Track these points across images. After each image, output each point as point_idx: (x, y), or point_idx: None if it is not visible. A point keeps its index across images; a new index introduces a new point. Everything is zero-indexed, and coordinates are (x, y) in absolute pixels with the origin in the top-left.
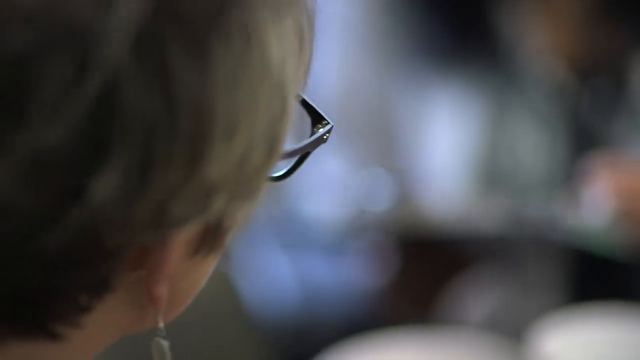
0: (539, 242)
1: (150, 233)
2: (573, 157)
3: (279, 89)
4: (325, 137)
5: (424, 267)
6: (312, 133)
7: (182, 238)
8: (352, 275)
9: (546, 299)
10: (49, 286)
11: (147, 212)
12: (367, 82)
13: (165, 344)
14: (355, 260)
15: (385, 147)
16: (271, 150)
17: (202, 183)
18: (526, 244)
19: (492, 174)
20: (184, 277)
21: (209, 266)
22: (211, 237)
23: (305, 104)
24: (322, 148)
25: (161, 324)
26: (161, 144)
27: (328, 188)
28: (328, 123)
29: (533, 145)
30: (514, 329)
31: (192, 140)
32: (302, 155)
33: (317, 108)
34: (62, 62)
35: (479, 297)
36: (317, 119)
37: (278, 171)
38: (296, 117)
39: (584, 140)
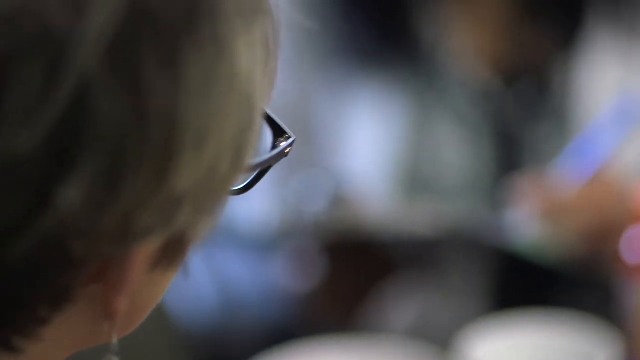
0: (465, 248)
1: (115, 244)
2: (498, 161)
3: (247, 99)
4: (286, 151)
5: (352, 272)
6: (274, 147)
7: (145, 250)
8: (277, 278)
9: (473, 305)
10: (10, 296)
11: (113, 222)
12: (289, 82)
13: None
14: (280, 263)
15: (309, 148)
16: (238, 162)
17: (169, 194)
18: (452, 249)
19: (415, 177)
20: (143, 291)
21: (168, 280)
22: (172, 250)
23: (267, 117)
24: None
25: (115, 340)
26: (130, 153)
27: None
28: (290, 137)
29: (456, 148)
30: (440, 336)
31: (161, 149)
32: (263, 169)
33: (279, 121)
34: (33, 68)
35: (406, 303)
36: (279, 132)
37: (237, 185)
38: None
39: (508, 143)
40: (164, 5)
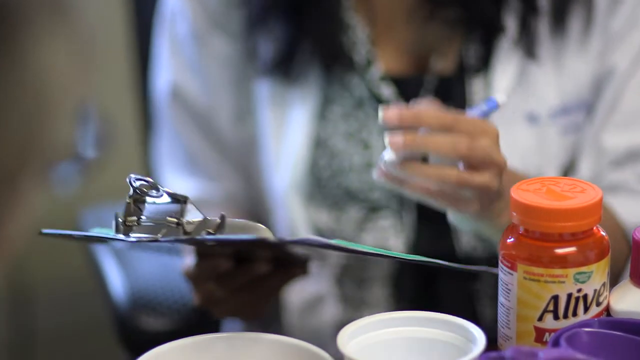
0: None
1: None
2: None
3: (38, 92)
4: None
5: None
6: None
7: None
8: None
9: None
10: None
11: None
12: (192, 76)
13: None
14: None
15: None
16: (27, 152)
17: None
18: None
19: (314, 174)
20: None
21: None
22: None
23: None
24: None
25: None
26: None
27: None
28: None
29: (350, 140)
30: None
31: None
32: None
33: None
34: None
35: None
36: None
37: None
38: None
39: None
40: None
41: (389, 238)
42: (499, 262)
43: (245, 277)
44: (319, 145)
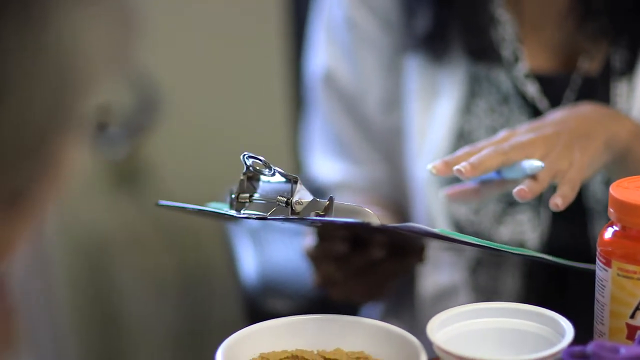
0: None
1: None
2: None
3: (62, 65)
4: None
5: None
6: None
7: None
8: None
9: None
10: None
11: None
12: (344, 60)
13: None
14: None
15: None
16: (55, 120)
17: None
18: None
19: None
20: None
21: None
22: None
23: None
24: None
25: None
26: None
27: None
28: None
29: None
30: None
31: None
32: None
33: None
34: None
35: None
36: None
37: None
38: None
39: None
40: None
41: (526, 232)
42: (597, 258)
43: (362, 261)
44: (463, 137)
